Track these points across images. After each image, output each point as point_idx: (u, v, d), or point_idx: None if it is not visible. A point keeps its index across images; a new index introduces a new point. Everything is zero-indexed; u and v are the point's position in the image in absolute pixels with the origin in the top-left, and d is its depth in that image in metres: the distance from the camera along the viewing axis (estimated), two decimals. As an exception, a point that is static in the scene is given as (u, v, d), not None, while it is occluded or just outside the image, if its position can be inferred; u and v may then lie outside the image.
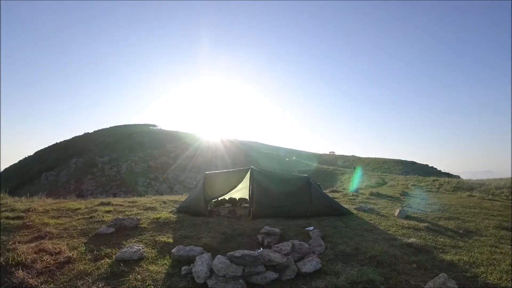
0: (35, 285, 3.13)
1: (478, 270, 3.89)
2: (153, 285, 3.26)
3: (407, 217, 6.98)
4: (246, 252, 3.54)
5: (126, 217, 5.77)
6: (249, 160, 38.14)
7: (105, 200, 7.91)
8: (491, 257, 4.44)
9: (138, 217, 5.94)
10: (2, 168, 48.81)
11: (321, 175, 33.37)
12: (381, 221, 6.46)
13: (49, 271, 3.44)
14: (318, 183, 7.70)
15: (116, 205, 7.25)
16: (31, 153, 53.33)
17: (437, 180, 17.48)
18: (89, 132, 57.13)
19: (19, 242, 4.17)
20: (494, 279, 3.61)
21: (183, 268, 3.60)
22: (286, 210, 6.65)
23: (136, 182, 33.67)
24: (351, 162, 42.04)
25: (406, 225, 6.13)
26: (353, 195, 10.88)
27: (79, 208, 6.60)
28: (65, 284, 3.21)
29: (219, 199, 8.44)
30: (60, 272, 3.45)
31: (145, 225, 5.47)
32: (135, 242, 4.53)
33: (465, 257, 4.36)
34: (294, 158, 35.22)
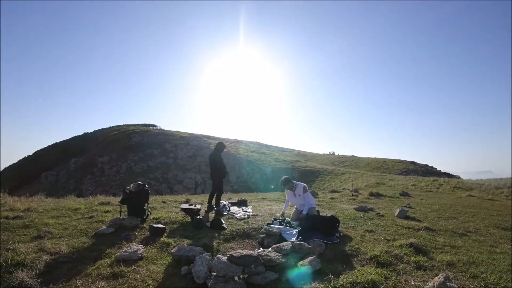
0: (35, 285, 3.13)
1: (477, 270, 3.89)
2: (152, 285, 3.26)
3: (407, 217, 6.98)
4: (246, 252, 3.55)
5: (126, 217, 5.77)
6: (249, 160, 38.14)
7: (105, 200, 7.90)
8: (491, 257, 4.45)
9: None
10: (2, 168, 48.81)
11: (321, 175, 33.40)
12: (380, 221, 6.46)
13: (48, 271, 3.44)
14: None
15: (116, 205, 7.24)
16: (31, 153, 53.33)
17: (436, 180, 17.49)
18: (89, 132, 57.12)
19: (18, 242, 4.17)
20: (494, 279, 3.61)
21: (183, 268, 3.60)
22: None
23: (136, 182, 33.64)
24: (351, 162, 42.06)
25: (406, 225, 6.14)
26: (352, 195, 10.88)
27: (79, 208, 6.59)
28: (65, 284, 3.21)
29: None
30: (60, 272, 3.45)
31: (144, 225, 5.47)
32: (134, 242, 4.53)
33: (464, 257, 4.36)
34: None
